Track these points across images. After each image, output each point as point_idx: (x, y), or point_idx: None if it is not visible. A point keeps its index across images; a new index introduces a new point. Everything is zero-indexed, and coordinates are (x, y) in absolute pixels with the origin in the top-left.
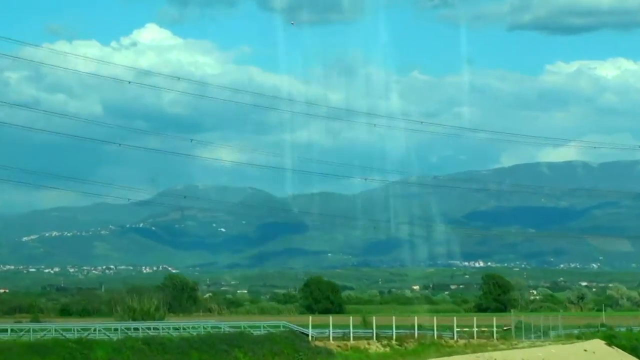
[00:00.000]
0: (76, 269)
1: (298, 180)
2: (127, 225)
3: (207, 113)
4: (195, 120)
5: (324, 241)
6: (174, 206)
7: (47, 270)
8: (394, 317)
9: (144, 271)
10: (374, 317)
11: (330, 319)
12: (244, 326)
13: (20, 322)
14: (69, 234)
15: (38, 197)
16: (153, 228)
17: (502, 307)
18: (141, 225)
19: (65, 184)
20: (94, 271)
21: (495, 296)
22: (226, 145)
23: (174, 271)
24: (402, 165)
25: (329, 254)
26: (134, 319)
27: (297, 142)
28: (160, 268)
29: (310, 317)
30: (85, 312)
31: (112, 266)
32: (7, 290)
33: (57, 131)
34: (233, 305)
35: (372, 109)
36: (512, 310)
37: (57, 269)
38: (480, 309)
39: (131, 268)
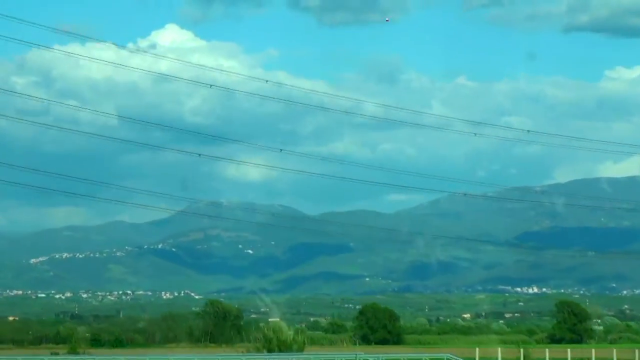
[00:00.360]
0: (90, 295)
1: (332, 197)
2: (145, 246)
3: (232, 122)
4: (219, 130)
5: (361, 264)
6: (197, 225)
7: (58, 296)
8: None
9: (164, 297)
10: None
11: None
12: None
13: (57, 353)
14: (81, 256)
15: (47, 214)
16: (173, 249)
17: (577, 337)
18: (160, 246)
19: (77, 200)
20: (109, 297)
21: (570, 326)
22: (253, 158)
23: (197, 297)
24: (446, 180)
25: (367, 279)
26: (270, 350)
27: (331, 154)
28: (182, 294)
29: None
30: (118, 343)
31: (128, 291)
32: (16, 318)
33: (69, 141)
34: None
35: (413, 119)
36: (589, 341)
37: (68, 294)
38: (553, 339)
39: (150, 294)
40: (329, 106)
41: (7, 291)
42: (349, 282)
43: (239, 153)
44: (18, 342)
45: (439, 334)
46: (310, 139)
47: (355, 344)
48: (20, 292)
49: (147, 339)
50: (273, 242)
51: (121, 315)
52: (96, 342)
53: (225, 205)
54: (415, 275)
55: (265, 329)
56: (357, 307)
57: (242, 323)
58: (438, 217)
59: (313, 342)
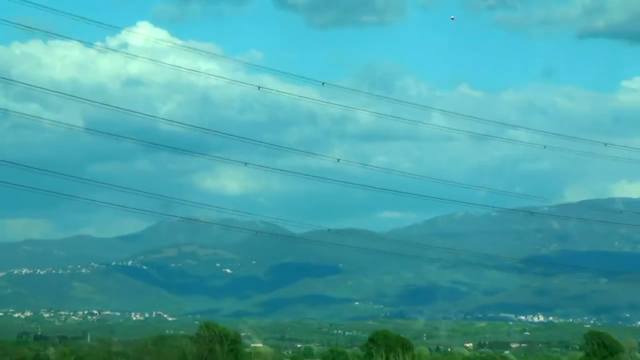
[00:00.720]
0: (52, 314)
1: (319, 214)
2: (113, 263)
3: (210, 131)
4: (196, 140)
5: (351, 287)
6: (170, 241)
7: (17, 315)
8: None
9: (134, 318)
10: None
11: None
12: None
13: None
14: (42, 272)
15: (5, 227)
16: (144, 267)
17: None
18: (130, 263)
19: (38, 212)
20: (73, 317)
21: (600, 359)
22: (233, 170)
23: (170, 319)
24: (445, 198)
25: (357, 303)
26: None
27: (319, 168)
28: (154, 314)
29: None
30: None
31: (95, 311)
32: None
33: (30, 147)
34: None
35: (410, 131)
36: None
37: (28, 314)
38: None
39: (118, 314)
40: (317, 115)
41: None
42: (337, 306)
43: (216, 165)
44: None
45: None
46: (295, 150)
47: None
48: None
49: None
50: (254, 262)
51: (89, 338)
52: None
53: (202, 220)
54: (409, 300)
55: (265, 356)
56: (347, 333)
57: (239, 348)
58: (436, 237)
59: None
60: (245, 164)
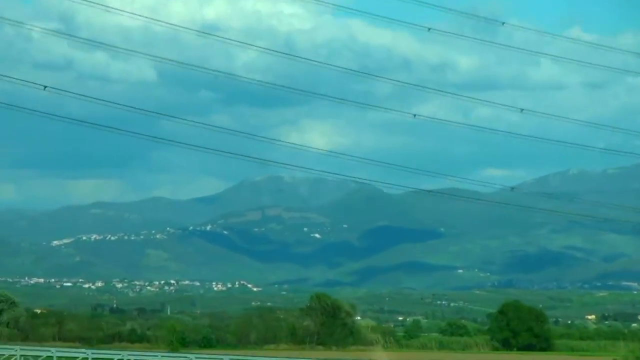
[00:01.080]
0: (125, 285)
1: (419, 172)
2: (190, 228)
3: (295, 81)
4: (279, 91)
5: (452, 253)
6: (253, 203)
7: (87, 285)
8: None
9: (215, 288)
10: None
11: None
12: None
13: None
14: (113, 238)
15: (72, 189)
16: (224, 232)
17: None
18: (208, 227)
19: (107, 172)
20: (148, 287)
21: None
22: (320, 124)
23: (255, 289)
24: (559, 155)
25: (459, 270)
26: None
27: (416, 121)
28: (236, 284)
29: None
30: (206, 342)
31: (172, 281)
32: (45, 310)
33: (97, 101)
34: (404, 337)
35: (516, 79)
36: None
37: (99, 284)
38: None
39: (198, 284)
40: (413, 62)
41: (26, 279)
42: (438, 274)
43: (302, 118)
44: (85, 340)
45: (581, 338)
46: (390, 101)
47: (495, 349)
48: (41, 280)
49: (240, 339)
50: (345, 225)
51: (169, 311)
52: (182, 341)
53: (287, 181)
54: (518, 268)
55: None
56: (453, 304)
57: (354, 322)
58: (546, 198)
59: (444, 346)
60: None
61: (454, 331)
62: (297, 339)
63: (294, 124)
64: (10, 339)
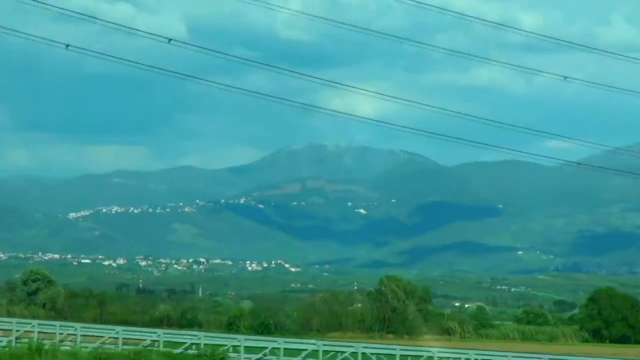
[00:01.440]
0: (149, 262)
1: (474, 143)
2: (222, 201)
3: (340, 39)
4: (322, 50)
5: (512, 233)
6: (291, 175)
7: (107, 263)
8: None
9: (249, 268)
10: None
11: None
12: None
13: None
14: (136, 211)
15: (92, 155)
16: (260, 205)
17: None
18: (242, 200)
19: (131, 137)
20: (175, 266)
21: None
22: (368, 87)
23: (293, 269)
24: (632, 125)
25: (520, 252)
26: None
27: (473, 85)
28: (273, 264)
29: None
30: (264, 328)
31: (201, 259)
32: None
33: (119, 60)
34: (482, 326)
35: (584, 39)
36: None
37: (121, 261)
38: None
39: (230, 263)
40: (470, 18)
41: (40, 254)
42: (496, 256)
43: (347, 80)
44: (131, 324)
45: None
46: (445, 63)
47: (585, 340)
48: (56, 256)
49: (302, 325)
50: (394, 200)
51: (200, 292)
52: (231, 326)
53: (330, 149)
54: (585, 250)
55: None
56: (514, 289)
57: (430, 308)
58: (618, 173)
59: (525, 337)
60: None
61: (530, 320)
62: (365, 326)
63: (338, 88)
64: None
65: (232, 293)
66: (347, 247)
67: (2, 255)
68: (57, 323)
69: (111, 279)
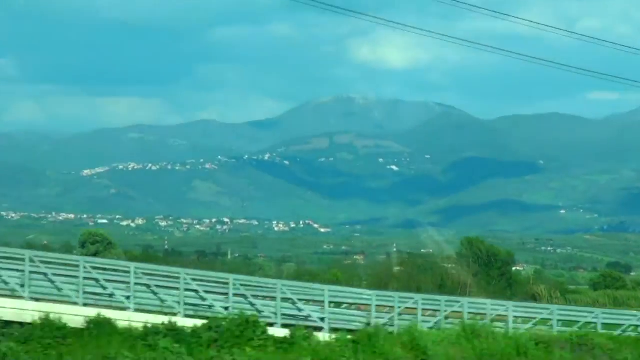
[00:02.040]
0: (170, 223)
1: (513, 94)
2: (245, 157)
3: None
4: None
5: (554, 190)
6: (318, 129)
7: (125, 223)
8: None
9: (276, 228)
10: None
11: None
12: None
13: None
14: (154, 168)
15: (106, 109)
16: (285, 162)
17: None
18: (266, 156)
19: (148, 89)
20: (197, 226)
21: None
22: (398, 35)
23: (322, 230)
24: None
25: (562, 211)
26: None
27: (509, 34)
28: (301, 224)
29: None
30: None
31: (225, 219)
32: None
33: (132, 5)
34: (567, 291)
35: None
36: None
37: (140, 222)
38: None
39: (255, 223)
40: None
41: (53, 214)
42: (537, 215)
43: (376, 28)
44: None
45: None
46: (476, 10)
47: None
48: (71, 215)
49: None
50: (428, 156)
51: (229, 255)
52: None
53: (359, 102)
54: (632, 208)
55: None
56: (558, 250)
57: (512, 272)
58: None
59: (617, 303)
60: None
61: (608, 284)
62: (445, 291)
63: (367, 35)
64: None
65: (263, 255)
66: (378, 206)
67: (14, 215)
68: (396, 295)
69: (132, 241)
